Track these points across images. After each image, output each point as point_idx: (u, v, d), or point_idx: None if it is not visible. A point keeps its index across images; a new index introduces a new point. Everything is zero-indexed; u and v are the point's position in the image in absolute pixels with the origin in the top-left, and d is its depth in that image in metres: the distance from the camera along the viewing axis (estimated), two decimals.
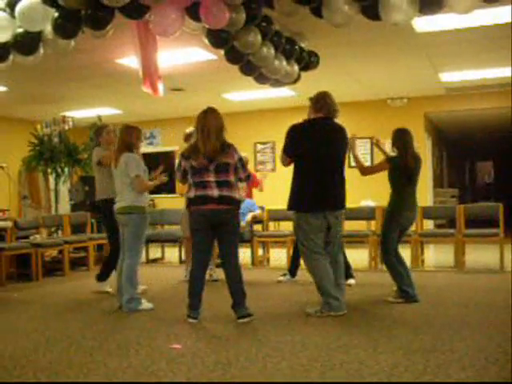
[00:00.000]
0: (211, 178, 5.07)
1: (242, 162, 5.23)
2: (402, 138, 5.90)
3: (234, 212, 5.17)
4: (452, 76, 9.87)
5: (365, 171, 6.14)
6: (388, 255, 5.86)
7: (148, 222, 5.92)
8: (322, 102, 5.39)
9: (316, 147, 5.31)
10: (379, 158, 11.26)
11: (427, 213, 9.00)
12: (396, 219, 5.85)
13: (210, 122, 5.07)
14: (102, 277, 6.82)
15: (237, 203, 5.19)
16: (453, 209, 8.93)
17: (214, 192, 5.05)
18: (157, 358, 4.04)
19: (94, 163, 6.70)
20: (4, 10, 5.46)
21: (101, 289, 6.79)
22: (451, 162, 19.27)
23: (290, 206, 5.42)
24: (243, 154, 5.47)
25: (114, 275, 6.28)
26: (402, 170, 5.81)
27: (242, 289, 5.16)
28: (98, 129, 7.17)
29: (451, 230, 8.68)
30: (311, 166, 5.30)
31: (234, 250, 5.23)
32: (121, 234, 5.90)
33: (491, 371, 3.55)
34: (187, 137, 7.11)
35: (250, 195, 9.41)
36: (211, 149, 5.03)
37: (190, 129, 7.05)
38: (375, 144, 6.51)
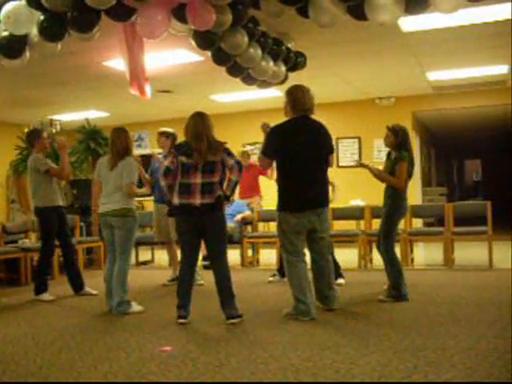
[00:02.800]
0: (197, 180, 5.10)
1: (240, 166, 5.21)
2: (407, 135, 5.95)
3: (217, 214, 5.17)
4: (439, 75, 9.91)
5: (401, 184, 5.86)
6: (392, 251, 5.87)
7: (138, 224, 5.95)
8: (299, 102, 5.31)
9: (296, 148, 5.25)
10: (367, 157, 11.30)
11: (416, 211, 9.03)
12: (401, 211, 5.90)
13: (197, 123, 5.16)
14: (42, 288, 6.81)
15: (218, 208, 5.16)
16: (441, 207, 8.97)
17: (197, 200, 5.09)
18: (147, 360, 4.03)
19: (38, 171, 6.70)
20: None
21: (48, 298, 6.75)
22: (439, 160, 19.37)
23: (277, 206, 5.39)
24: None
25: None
26: (408, 166, 5.86)
27: (229, 288, 5.16)
28: (32, 132, 7.12)
29: (440, 229, 8.73)
30: (291, 166, 5.27)
31: (221, 250, 5.23)
32: (105, 237, 5.90)
33: (482, 369, 3.55)
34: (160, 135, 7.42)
35: (255, 189, 9.43)
36: (203, 148, 5.08)
37: (165, 129, 7.40)
38: (363, 166, 6.38)
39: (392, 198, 5.89)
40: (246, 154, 9.68)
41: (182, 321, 5.12)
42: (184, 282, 5.23)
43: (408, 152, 5.88)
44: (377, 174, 5.97)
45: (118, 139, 5.86)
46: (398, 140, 5.87)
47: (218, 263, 5.22)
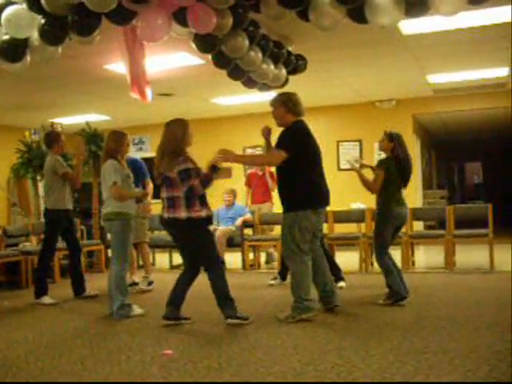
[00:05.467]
0: (164, 194, 5.20)
1: (183, 176, 5.05)
2: (402, 142, 5.97)
3: (184, 227, 5.16)
4: (439, 77, 9.92)
5: (374, 189, 5.96)
6: (382, 255, 5.88)
7: (132, 228, 5.89)
8: (299, 106, 5.44)
9: (316, 147, 5.44)
10: (368, 160, 11.31)
11: (417, 214, 9.02)
12: (388, 216, 5.88)
13: (163, 134, 5.27)
14: (42, 291, 6.83)
15: (181, 223, 5.11)
16: (442, 210, 8.96)
17: (165, 213, 5.20)
18: (148, 363, 4.03)
19: (55, 173, 6.76)
20: None
21: (48, 301, 6.76)
22: (440, 163, 19.37)
23: (292, 206, 5.34)
24: (227, 165, 5.38)
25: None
26: (399, 172, 5.87)
27: (223, 291, 5.19)
28: (51, 134, 7.29)
29: (441, 231, 8.72)
30: (314, 165, 5.39)
31: (205, 263, 5.28)
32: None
33: (482, 371, 3.56)
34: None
35: (268, 196, 9.45)
36: (156, 162, 5.19)
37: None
38: (362, 167, 6.43)
39: (381, 204, 5.95)
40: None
41: (168, 322, 5.25)
42: (179, 285, 5.35)
43: (399, 159, 5.89)
44: (359, 176, 6.09)
45: (106, 142, 6.00)
46: (391, 145, 5.93)
47: (208, 275, 5.26)
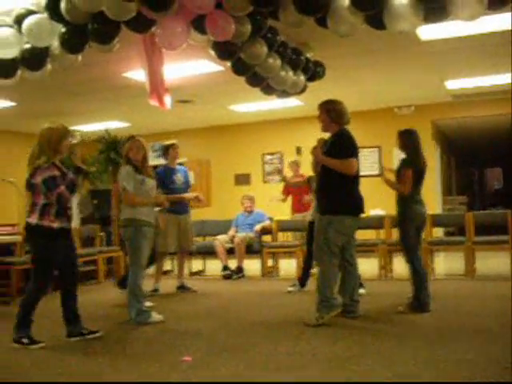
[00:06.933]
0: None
1: (45, 185, 4.97)
2: (413, 139, 5.96)
3: (29, 236, 5.16)
4: (458, 83, 9.86)
5: (406, 189, 5.85)
6: (414, 259, 5.82)
7: (147, 235, 5.79)
8: (343, 115, 5.55)
9: (358, 155, 5.56)
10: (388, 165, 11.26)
11: (436, 221, 8.96)
12: (409, 216, 5.85)
13: None
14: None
15: (28, 229, 5.06)
16: (462, 216, 8.89)
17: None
18: (167, 370, 4.03)
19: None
20: (11, 26, 5.50)
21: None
22: (460, 169, 19.24)
23: (330, 209, 5.43)
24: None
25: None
26: (414, 172, 5.83)
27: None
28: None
29: (461, 238, 8.65)
30: (356, 172, 5.49)
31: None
32: None
33: (505, 382, 3.51)
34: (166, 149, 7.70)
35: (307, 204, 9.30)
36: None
37: (171, 141, 7.47)
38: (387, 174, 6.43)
39: (400, 205, 5.91)
40: (295, 164, 9.42)
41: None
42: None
43: (417, 156, 5.89)
44: (386, 181, 6.07)
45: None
46: (405, 143, 5.95)
47: None
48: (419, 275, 5.79)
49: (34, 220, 4.94)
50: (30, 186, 5.00)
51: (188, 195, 7.68)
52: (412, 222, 5.87)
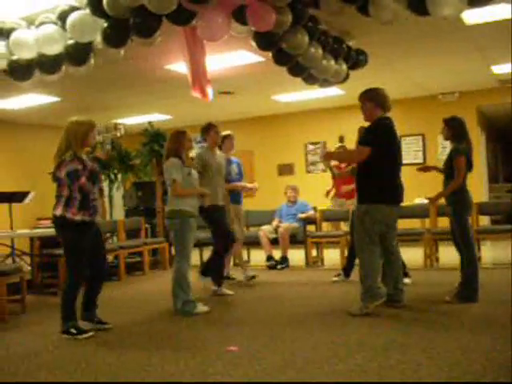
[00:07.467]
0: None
1: (69, 178, 5.00)
2: (463, 126, 5.88)
3: (56, 228, 5.22)
4: (505, 68, 9.65)
5: (461, 177, 5.76)
6: (471, 249, 5.77)
7: (192, 226, 5.85)
8: (387, 101, 5.54)
9: (398, 144, 5.61)
10: (431, 155, 11.14)
11: (483, 209, 8.82)
12: (465, 204, 5.79)
13: None
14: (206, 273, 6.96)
15: (54, 221, 5.15)
16: (509, 204, 8.72)
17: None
18: (213, 360, 4.07)
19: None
20: (55, 23, 5.60)
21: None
22: (507, 155, 18.84)
23: (366, 198, 5.44)
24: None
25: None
26: (467, 158, 5.78)
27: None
28: (204, 128, 7.14)
29: (508, 226, 8.48)
30: (394, 161, 5.50)
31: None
32: None
33: None
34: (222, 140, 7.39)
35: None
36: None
37: (226, 132, 7.49)
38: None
39: (453, 194, 5.79)
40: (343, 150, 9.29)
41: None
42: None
43: (466, 143, 5.81)
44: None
45: (166, 143, 6.18)
46: (452, 131, 5.87)
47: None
48: (474, 264, 5.71)
49: (58, 212, 5.04)
50: (56, 179, 5.08)
51: (250, 185, 7.82)
52: (468, 210, 5.84)
